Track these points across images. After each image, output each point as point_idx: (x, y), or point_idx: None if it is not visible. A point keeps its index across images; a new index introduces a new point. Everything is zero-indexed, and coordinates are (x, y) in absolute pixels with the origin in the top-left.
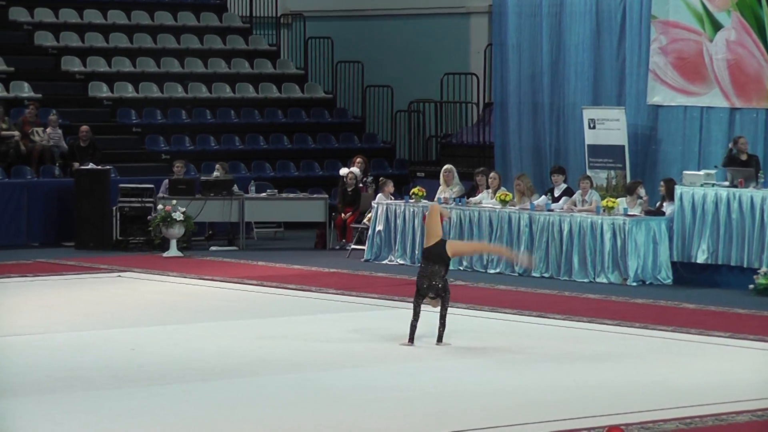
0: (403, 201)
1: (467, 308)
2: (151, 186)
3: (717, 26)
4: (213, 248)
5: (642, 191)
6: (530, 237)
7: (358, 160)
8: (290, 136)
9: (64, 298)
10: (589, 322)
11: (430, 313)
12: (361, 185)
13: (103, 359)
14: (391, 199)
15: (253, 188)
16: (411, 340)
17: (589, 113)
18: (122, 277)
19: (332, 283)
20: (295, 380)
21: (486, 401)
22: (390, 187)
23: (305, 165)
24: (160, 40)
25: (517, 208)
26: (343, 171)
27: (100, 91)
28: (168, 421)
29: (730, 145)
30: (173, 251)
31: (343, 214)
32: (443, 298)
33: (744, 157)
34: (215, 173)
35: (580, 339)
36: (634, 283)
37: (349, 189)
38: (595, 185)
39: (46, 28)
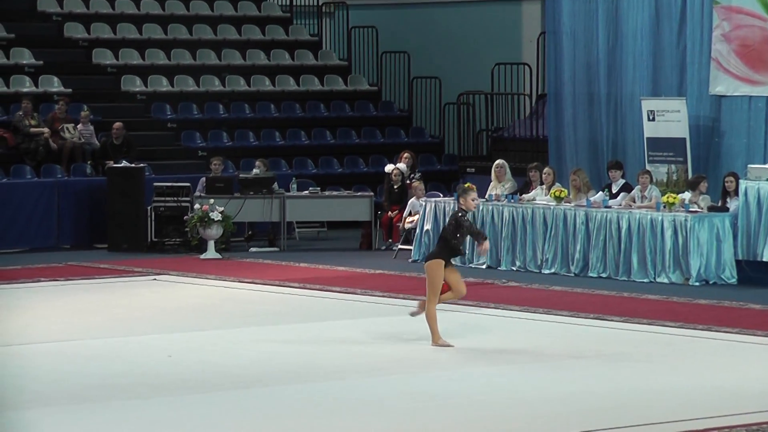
0: (453, 198)
1: (521, 310)
2: (188, 184)
3: None
4: (253, 249)
5: (705, 187)
6: (586, 235)
7: (405, 155)
8: (333, 131)
9: (97, 302)
10: (649, 324)
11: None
12: (408, 182)
13: (139, 366)
14: (424, 199)
15: (294, 186)
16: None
17: (648, 104)
18: (158, 281)
19: (378, 286)
20: (339, 387)
21: (546, 408)
22: (420, 186)
23: (349, 161)
24: (196, 31)
25: (572, 204)
26: (389, 167)
27: (134, 85)
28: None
29: None
30: (211, 253)
31: (389, 213)
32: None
33: None
34: (255, 170)
35: (640, 342)
36: (697, 283)
37: (395, 186)
38: (654, 180)
39: (76, 19)
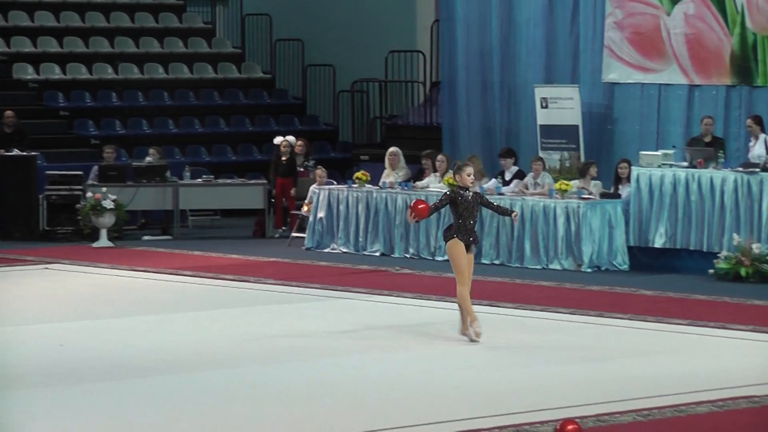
0: (346, 186)
1: (415, 297)
2: (80, 173)
3: None
4: (146, 238)
5: (594, 172)
6: (480, 222)
7: (299, 143)
8: (227, 119)
9: None
10: (542, 310)
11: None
12: (302, 169)
13: (31, 356)
14: (325, 186)
15: (187, 174)
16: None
17: (541, 92)
18: (50, 270)
19: (272, 273)
20: (233, 375)
21: (431, 395)
22: (322, 173)
23: (243, 149)
24: (88, 18)
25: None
26: (278, 139)
27: (26, 73)
28: (99, 420)
29: None
30: (104, 241)
31: (277, 188)
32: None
33: (708, 139)
34: (148, 158)
35: (532, 328)
36: (589, 270)
37: (283, 158)
38: (547, 167)
39: None
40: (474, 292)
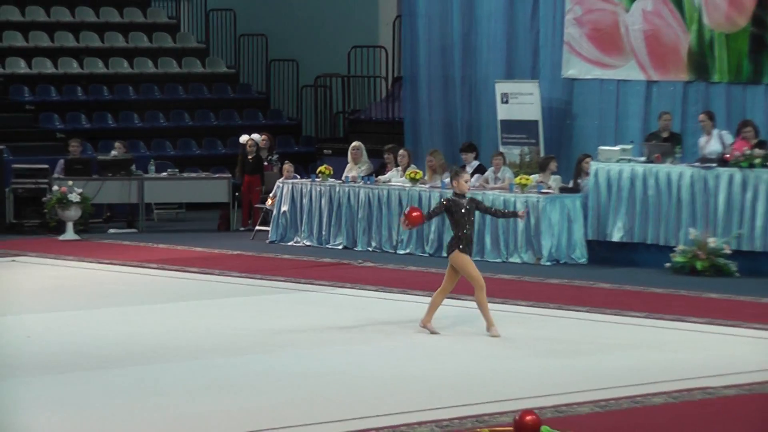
0: (310, 180)
1: (377, 290)
2: (46, 166)
3: None
4: (111, 231)
5: (554, 167)
6: (441, 216)
7: (263, 137)
8: (191, 113)
9: None
10: (502, 303)
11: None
12: (266, 163)
13: None
14: (289, 180)
15: (152, 168)
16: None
17: (501, 87)
18: (16, 262)
19: (236, 266)
20: (199, 366)
21: (392, 386)
22: (289, 168)
23: (207, 143)
24: (53, 13)
25: (427, 186)
26: (243, 138)
27: None
28: (66, 411)
29: None
30: (70, 234)
31: (244, 186)
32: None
33: (666, 134)
34: (113, 152)
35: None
36: (548, 263)
37: (249, 156)
38: (508, 162)
39: None
40: (434, 285)
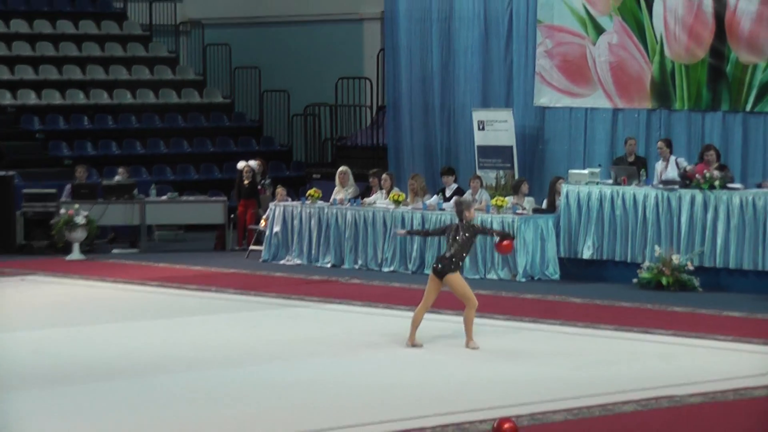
0: (300, 202)
1: (363, 305)
2: (54, 191)
3: (599, 30)
4: (115, 251)
5: (526, 188)
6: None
7: (257, 161)
8: (190, 140)
9: None
10: (479, 317)
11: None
12: (259, 187)
13: (6, 360)
14: (281, 203)
15: (153, 191)
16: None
17: (478, 115)
18: (26, 281)
19: (231, 284)
20: (197, 377)
21: (378, 396)
22: (282, 191)
23: (204, 168)
24: (61, 48)
25: (410, 207)
26: (240, 164)
27: (4, 98)
28: (72, 421)
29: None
30: (76, 254)
31: (240, 208)
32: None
33: (632, 159)
34: (117, 177)
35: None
36: (524, 279)
37: (246, 182)
38: (485, 185)
39: None
40: (418, 301)
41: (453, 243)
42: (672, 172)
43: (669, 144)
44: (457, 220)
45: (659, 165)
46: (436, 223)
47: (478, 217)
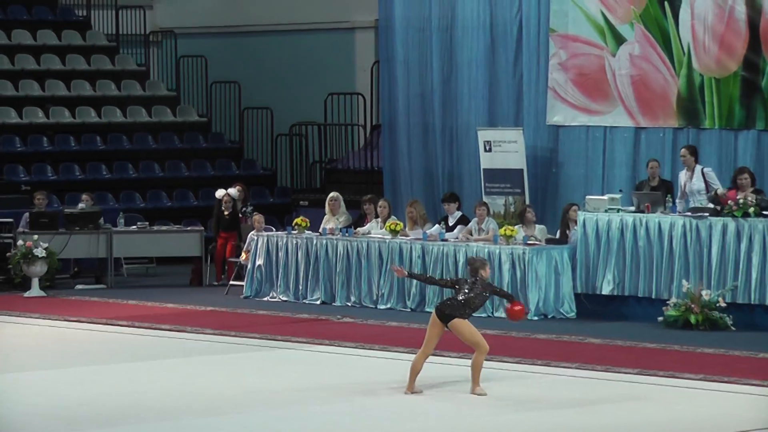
0: (286, 232)
1: (357, 347)
2: (11, 220)
3: (620, 40)
4: (79, 287)
5: (532, 216)
6: (423, 269)
7: (237, 188)
8: (162, 164)
9: None
10: (488, 360)
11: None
12: (240, 215)
13: None
14: (263, 232)
15: (122, 221)
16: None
17: (484, 135)
18: None
19: (209, 323)
20: (171, 428)
21: None
22: (260, 219)
23: (179, 194)
24: (18, 61)
25: (408, 238)
26: (219, 193)
27: None
28: None
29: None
30: (35, 291)
31: (220, 241)
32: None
33: (655, 183)
34: (80, 205)
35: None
36: (536, 317)
37: (226, 213)
38: (492, 212)
39: None
40: (417, 342)
41: (467, 292)
42: (698, 184)
43: (694, 152)
44: (469, 277)
45: (683, 175)
46: (438, 255)
47: (484, 249)
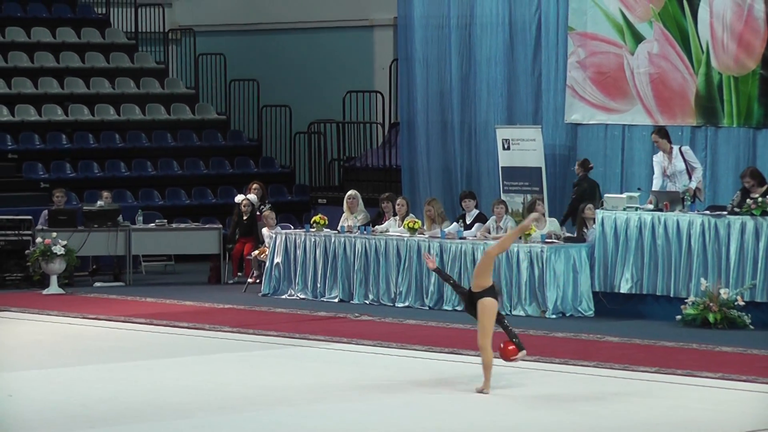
0: (304, 230)
1: (375, 345)
2: (30, 217)
3: (638, 38)
4: (97, 284)
5: (541, 208)
6: (441, 267)
7: (255, 186)
8: (180, 161)
9: None
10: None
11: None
12: (258, 213)
13: None
14: (276, 230)
15: (140, 218)
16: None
17: (502, 133)
18: None
19: (227, 321)
20: (189, 426)
21: None
22: (271, 215)
23: (197, 192)
24: (37, 58)
25: (426, 236)
26: (239, 198)
27: None
28: None
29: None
30: (54, 288)
31: (238, 245)
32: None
33: None
34: (99, 202)
35: (496, 377)
36: (554, 316)
37: (245, 218)
38: (510, 210)
39: None
40: (436, 340)
41: None
42: (679, 164)
43: (665, 134)
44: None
45: (659, 158)
46: (456, 253)
47: None
